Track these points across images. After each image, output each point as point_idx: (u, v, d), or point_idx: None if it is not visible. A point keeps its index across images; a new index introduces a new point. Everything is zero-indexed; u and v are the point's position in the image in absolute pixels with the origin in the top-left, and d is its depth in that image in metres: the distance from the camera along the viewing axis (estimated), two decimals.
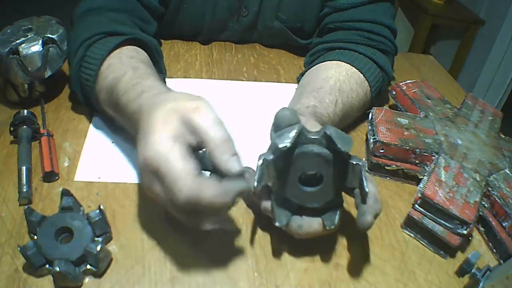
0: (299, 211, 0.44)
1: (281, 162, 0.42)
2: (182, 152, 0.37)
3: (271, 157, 0.41)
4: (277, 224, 0.42)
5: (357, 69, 0.63)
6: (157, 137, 0.37)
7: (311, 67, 0.68)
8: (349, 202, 0.53)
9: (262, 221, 0.49)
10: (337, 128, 0.41)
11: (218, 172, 0.39)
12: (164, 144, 0.37)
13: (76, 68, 0.56)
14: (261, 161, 0.41)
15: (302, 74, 0.70)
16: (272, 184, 0.43)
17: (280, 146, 0.39)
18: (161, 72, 0.64)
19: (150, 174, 0.38)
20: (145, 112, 0.41)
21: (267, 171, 0.41)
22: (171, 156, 0.36)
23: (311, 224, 0.43)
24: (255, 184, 0.39)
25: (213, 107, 0.40)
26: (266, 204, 0.44)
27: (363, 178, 0.40)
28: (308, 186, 0.43)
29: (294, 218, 0.43)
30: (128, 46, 0.56)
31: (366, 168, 0.59)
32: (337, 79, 0.60)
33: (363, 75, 0.63)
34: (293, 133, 0.40)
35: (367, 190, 0.40)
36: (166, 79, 0.69)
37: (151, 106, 0.41)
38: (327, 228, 0.42)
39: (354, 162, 0.41)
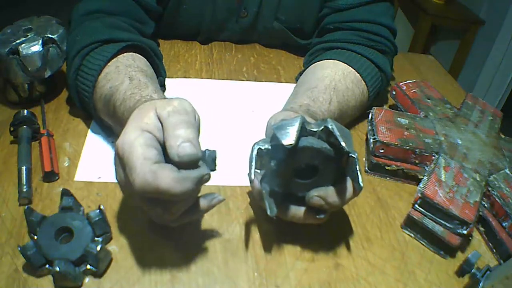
0: (287, 199, 0.44)
1: (277, 152, 0.41)
2: (147, 141, 0.37)
3: (266, 146, 0.41)
4: (269, 213, 0.41)
5: (354, 69, 0.63)
6: (129, 127, 0.38)
7: (309, 67, 0.68)
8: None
9: (262, 221, 0.49)
10: (336, 122, 0.41)
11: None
12: (133, 133, 0.37)
13: (73, 76, 0.56)
14: (255, 151, 0.41)
15: (301, 74, 0.70)
16: (263, 174, 0.43)
17: (286, 144, 0.38)
18: (161, 75, 0.64)
19: (118, 162, 0.39)
20: None
21: (259, 160, 0.41)
22: (136, 143, 0.37)
23: (297, 209, 0.44)
24: (249, 172, 0.39)
25: (189, 105, 0.39)
26: (258, 191, 0.43)
27: (358, 172, 0.40)
28: (299, 176, 0.43)
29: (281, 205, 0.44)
30: (125, 54, 0.56)
31: (366, 168, 0.59)
32: (333, 78, 0.60)
33: (360, 75, 0.63)
34: (296, 128, 0.39)
35: (361, 185, 0.40)
36: (166, 79, 0.69)
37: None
38: (317, 217, 0.43)
39: (351, 155, 0.41)
